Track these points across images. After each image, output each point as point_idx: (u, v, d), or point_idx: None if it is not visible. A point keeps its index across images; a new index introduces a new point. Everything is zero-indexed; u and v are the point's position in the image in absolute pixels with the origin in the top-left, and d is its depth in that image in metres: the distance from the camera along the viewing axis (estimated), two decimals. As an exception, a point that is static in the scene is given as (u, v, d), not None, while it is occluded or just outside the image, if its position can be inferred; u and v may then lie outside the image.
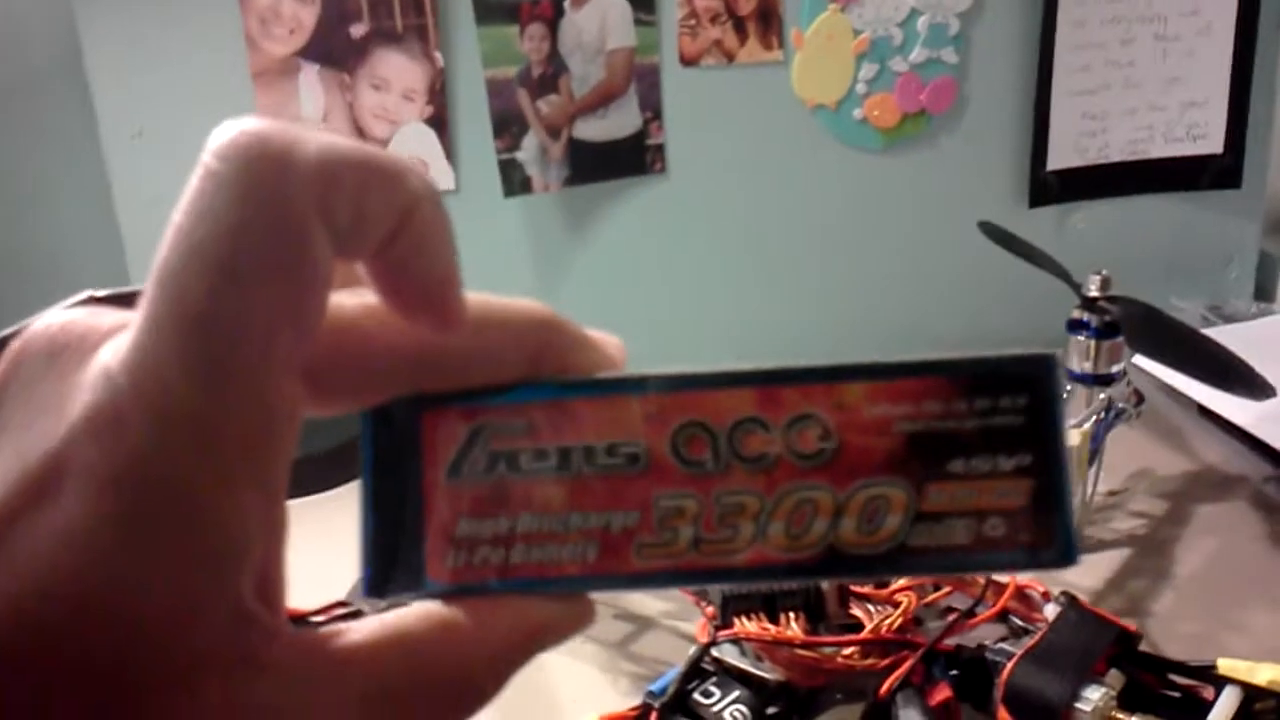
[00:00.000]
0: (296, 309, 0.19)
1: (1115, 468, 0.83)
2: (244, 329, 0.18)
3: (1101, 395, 0.77)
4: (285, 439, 0.19)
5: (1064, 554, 0.22)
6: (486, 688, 0.22)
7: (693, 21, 0.99)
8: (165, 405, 0.18)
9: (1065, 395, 0.21)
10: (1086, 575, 0.73)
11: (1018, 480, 0.22)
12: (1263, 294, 1.18)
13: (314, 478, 0.82)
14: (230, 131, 0.19)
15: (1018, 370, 0.22)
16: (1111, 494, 0.83)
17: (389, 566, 0.22)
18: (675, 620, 0.71)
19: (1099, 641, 0.52)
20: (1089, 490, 0.78)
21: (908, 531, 0.22)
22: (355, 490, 0.23)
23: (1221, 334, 0.87)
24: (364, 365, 0.22)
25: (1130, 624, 0.54)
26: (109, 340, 0.19)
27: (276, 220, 0.18)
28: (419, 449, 0.23)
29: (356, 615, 0.21)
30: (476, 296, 0.22)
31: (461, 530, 0.22)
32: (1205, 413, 0.92)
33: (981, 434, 0.22)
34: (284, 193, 0.18)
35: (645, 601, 0.73)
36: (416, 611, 0.21)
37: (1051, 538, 0.22)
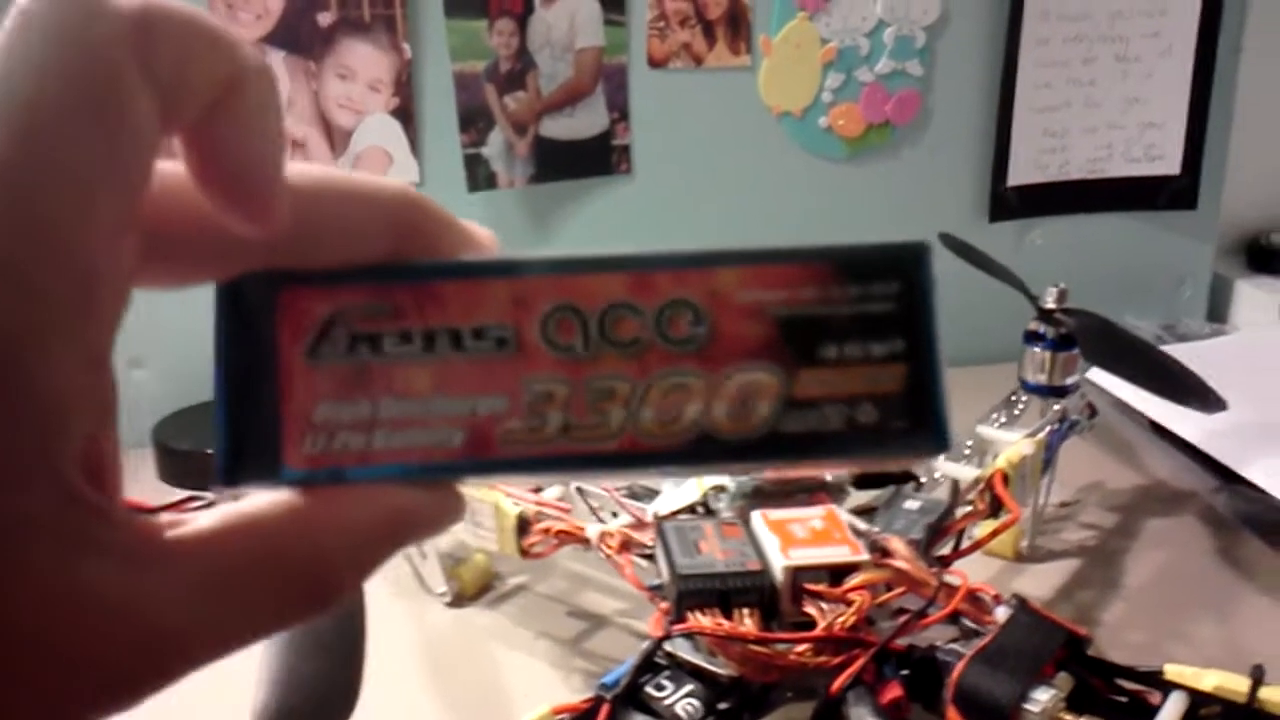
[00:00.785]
0: (114, 161, 0.18)
1: (1067, 480, 0.84)
2: (56, 176, 0.17)
3: (1056, 406, 0.78)
4: (109, 305, 0.18)
5: (937, 440, 0.22)
6: (343, 578, 0.21)
7: (662, 24, 0.99)
8: None
9: (937, 284, 0.22)
10: (1037, 584, 0.74)
11: (891, 366, 0.22)
12: (1215, 315, 1.20)
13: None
14: None
15: (890, 258, 0.22)
16: (1063, 505, 0.84)
17: (243, 453, 0.21)
18: (628, 619, 0.71)
19: (1049, 644, 0.52)
20: (1041, 500, 0.79)
21: (780, 417, 0.22)
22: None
23: (1174, 353, 0.88)
24: (208, 236, 0.20)
25: (1080, 629, 0.54)
26: None
27: (88, 62, 0.17)
28: (275, 329, 0.21)
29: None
30: (337, 171, 0.21)
31: (320, 414, 0.21)
32: (1157, 428, 0.94)
33: (854, 320, 0.22)
34: (97, 34, 0.17)
35: (598, 599, 0.73)
36: (267, 497, 0.20)
37: (925, 424, 0.22)
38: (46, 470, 0.17)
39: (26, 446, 0.17)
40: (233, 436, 0.21)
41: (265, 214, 0.20)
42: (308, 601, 0.20)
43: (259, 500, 0.20)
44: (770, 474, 0.64)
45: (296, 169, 0.21)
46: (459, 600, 0.73)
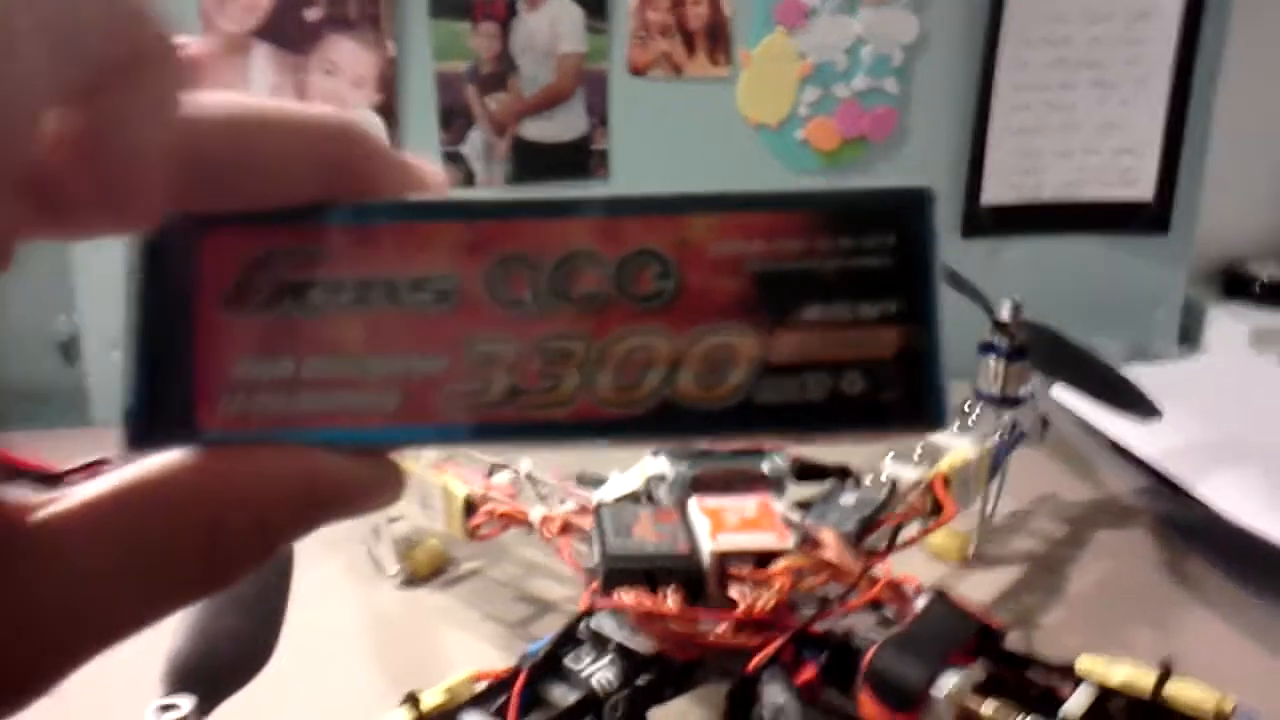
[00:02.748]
0: None
1: (1021, 491, 0.85)
2: None
3: (1006, 416, 0.79)
4: None
5: (932, 414, 0.20)
6: (248, 549, 0.18)
7: (643, 33, 1.01)
8: None
9: (939, 238, 0.19)
10: (980, 587, 0.75)
11: (882, 330, 0.19)
12: (1187, 338, 1.21)
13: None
14: None
15: (886, 205, 0.19)
16: (1014, 515, 0.85)
17: (155, 413, 0.19)
18: (575, 605, 0.72)
19: (962, 633, 0.54)
20: (989, 507, 0.80)
21: (754, 385, 0.19)
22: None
23: (1142, 373, 0.89)
24: (111, 175, 0.17)
25: (996, 620, 0.55)
26: None
27: None
28: (193, 277, 0.19)
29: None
30: (260, 99, 0.19)
31: (239, 372, 0.19)
32: (1116, 448, 0.95)
33: (843, 276, 0.19)
34: None
35: (548, 585, 0.75)
36: (173, 455, 0.18)
37: (919, 396, 0.19)
38: None
39: None
40: (144, 395, 0.19)
41: (123, 218, 0.18)
42: (206, 576, 0.18)
43: (156, 461, 0.18)
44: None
45: (213, 98, 0.18)
46: (411, 581, 0.75)
